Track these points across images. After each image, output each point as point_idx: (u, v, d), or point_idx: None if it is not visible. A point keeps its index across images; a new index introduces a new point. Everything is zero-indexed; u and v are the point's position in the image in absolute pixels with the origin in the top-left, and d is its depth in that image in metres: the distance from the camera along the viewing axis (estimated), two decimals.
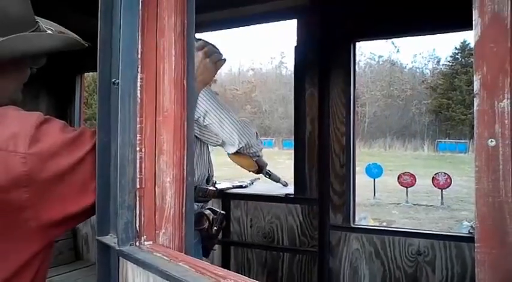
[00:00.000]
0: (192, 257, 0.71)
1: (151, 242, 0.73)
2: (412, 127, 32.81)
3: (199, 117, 1.62)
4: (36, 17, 0.82)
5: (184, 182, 0.76)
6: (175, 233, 0.75)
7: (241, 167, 1.87)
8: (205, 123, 1.64)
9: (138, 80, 0.72)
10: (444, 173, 10.35)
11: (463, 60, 32.23)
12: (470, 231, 3.44)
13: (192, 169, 0.79)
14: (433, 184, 10.22)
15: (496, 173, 0.51)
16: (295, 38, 2.59)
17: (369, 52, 36.34)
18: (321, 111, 2.50)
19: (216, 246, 2.58)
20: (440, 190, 10.25)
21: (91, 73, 4.60)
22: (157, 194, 0.74)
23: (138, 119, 0.72)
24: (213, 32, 3.02)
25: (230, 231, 2.78)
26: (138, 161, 0.71)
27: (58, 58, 1.56)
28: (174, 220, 0.75)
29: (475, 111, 0.52)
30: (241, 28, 3.01)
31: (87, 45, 0.84)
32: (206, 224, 1.69)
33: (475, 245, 0.52)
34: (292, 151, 2.70)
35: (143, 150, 0.72)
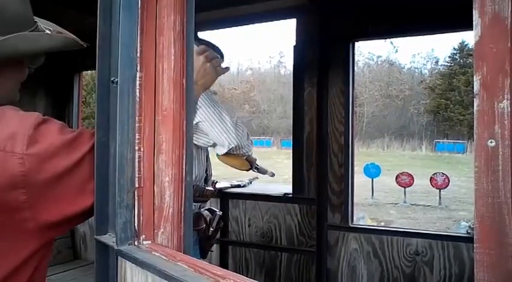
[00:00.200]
0: (190, 256, 0.71)
1: (149, 242, 0.72)
2: (410, 127, 32.83)
3: None
4: (34, 17, 0.81)
5: (183, 181, 0.76)
6: (174, 232, 0.75)
7: (234, 167, 1.83)
8: (195, 122, 1.58)
9: (137, 78, 0.71)
10: (442, 173, 10.39)
11: (461, 60, 32.27)
12: (468, 231, 3.45)
13: (190, 169, 0.78)
14: (431, 184, 10.26)
15: (495, 174, 0.51)
16: (294, 37, 2.60)
17: (367, 52, 36.31)
18: (320, 111, 2.50)
19: (214, 247, 2.58)
20: (438, 190, 10.28)
21: (90, 72, 4.58)
22: (156, 193, 0.74)
23: (137, 118, 0.71)
24: (212, 31, 3.02)
25: (228, 231, 2.78)
26: (136, 160, 0.71)
27: (56, 57, 1.56)
28: (172, 220, 0.75)
29: (474, 111, 0.52)
30: (239, 27, 3.01)
31: (85, 45, 0.83)
32: (204, 225, 1.67)
33: (474, 245, 0.52)
34: (291, 151, 2.70)
35: (142, 149, 0.72)
